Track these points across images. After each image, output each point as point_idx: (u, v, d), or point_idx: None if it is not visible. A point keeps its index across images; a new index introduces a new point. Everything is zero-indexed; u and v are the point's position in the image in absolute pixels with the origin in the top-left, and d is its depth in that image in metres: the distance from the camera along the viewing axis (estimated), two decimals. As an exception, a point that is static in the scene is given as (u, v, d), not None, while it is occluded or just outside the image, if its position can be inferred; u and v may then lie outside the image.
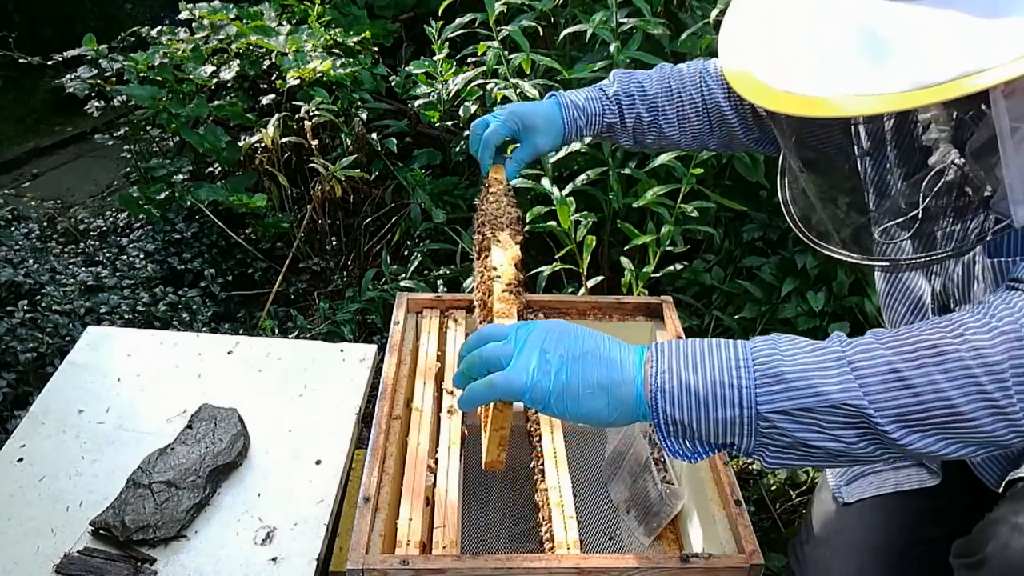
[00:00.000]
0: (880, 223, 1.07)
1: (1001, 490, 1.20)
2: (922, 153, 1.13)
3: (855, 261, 1.09)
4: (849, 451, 0.90)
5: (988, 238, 0.99)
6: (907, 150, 1.20)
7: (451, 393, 1.57)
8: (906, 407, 0.86)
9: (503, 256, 1.36)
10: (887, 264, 1.06)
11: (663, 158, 2.28)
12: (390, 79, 3.08)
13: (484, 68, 2.50)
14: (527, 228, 2.25)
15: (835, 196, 1.13)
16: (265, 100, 2.95)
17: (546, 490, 1.37)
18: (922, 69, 0.83)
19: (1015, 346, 0.84)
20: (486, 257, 1.40)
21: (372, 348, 1.88)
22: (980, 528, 1.17)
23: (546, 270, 2.48)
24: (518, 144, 1.56)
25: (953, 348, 0.86)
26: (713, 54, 1.86)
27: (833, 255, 1.10)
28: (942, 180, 1.04)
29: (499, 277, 1.29)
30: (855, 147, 1.24)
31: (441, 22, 2.64)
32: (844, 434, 0.88)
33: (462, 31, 2.58)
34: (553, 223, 2.30)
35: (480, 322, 1.31)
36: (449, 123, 2.92)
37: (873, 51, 0.87)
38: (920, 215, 1.04)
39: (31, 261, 2.63)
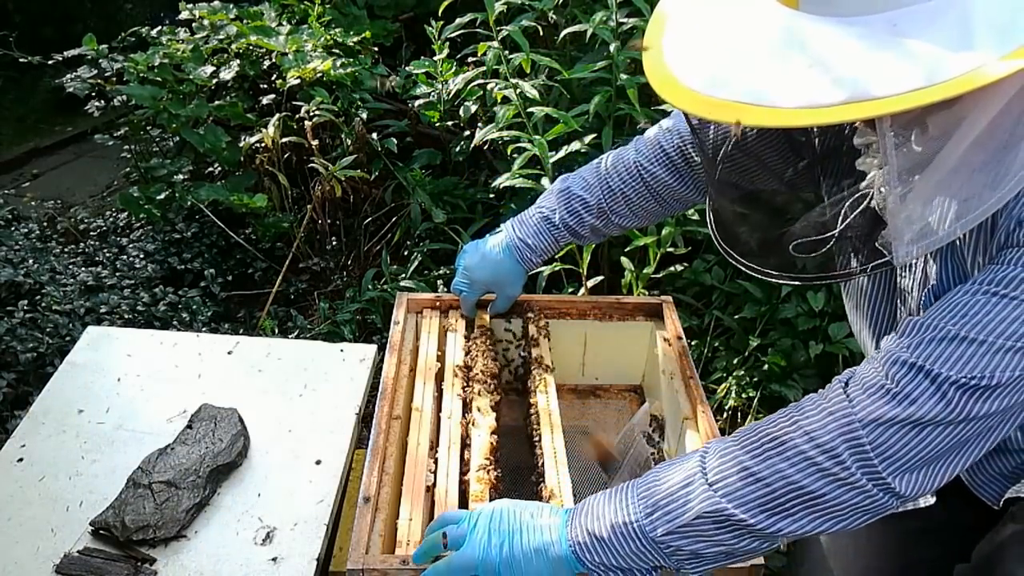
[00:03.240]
0: (792, 239, 1.10)
1: (1000, 507, 1.19)
2: (846, 175, 1.14)
3: (767, 277, 1.13)
4: (735, 551, 1.01)
5: (869, 271, 1.05)
6: (831, 170, 1.22)
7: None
8: (762, 496, 0.98)
9: (480, 427, 1.48)
10: (788, 279, 1.12)
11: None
12: (390, 79, 3.08)
13: (484, 68, 2.50)
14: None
15: (734, 201, 1.18)
16: (265, 100, 2.95)
17: (546, 489, 1.37)
18: (814, 90, 0.82)
19: (842, 424, 0.95)
20: (471, 422, 1.52)
21: (372, 348, 1.88)
22: (986, 555, 1.16)
23: (546, 270, 2.48)
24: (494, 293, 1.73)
25: (789, 436, 0.98)
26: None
27: (744, 268, 1.14)
28: (845, 206, 1.05)
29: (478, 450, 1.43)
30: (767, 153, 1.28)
31: (441, 22, 2.64)
32: (723, 538, 1.00)
33: (462, 31, 2.58)
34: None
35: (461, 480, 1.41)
36: (449, 123, 2.92)
37: (775, 64, 0.86)
38: (832, 236, 1.07)
39: (31, 261, 2.63)
